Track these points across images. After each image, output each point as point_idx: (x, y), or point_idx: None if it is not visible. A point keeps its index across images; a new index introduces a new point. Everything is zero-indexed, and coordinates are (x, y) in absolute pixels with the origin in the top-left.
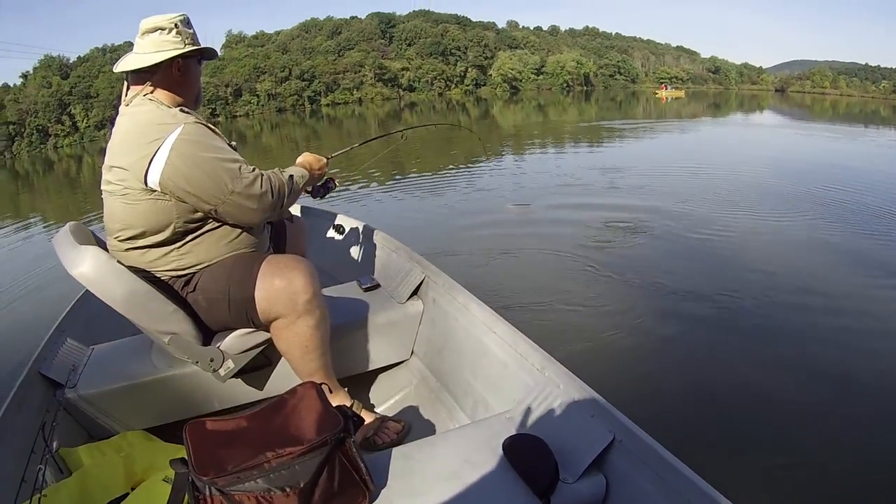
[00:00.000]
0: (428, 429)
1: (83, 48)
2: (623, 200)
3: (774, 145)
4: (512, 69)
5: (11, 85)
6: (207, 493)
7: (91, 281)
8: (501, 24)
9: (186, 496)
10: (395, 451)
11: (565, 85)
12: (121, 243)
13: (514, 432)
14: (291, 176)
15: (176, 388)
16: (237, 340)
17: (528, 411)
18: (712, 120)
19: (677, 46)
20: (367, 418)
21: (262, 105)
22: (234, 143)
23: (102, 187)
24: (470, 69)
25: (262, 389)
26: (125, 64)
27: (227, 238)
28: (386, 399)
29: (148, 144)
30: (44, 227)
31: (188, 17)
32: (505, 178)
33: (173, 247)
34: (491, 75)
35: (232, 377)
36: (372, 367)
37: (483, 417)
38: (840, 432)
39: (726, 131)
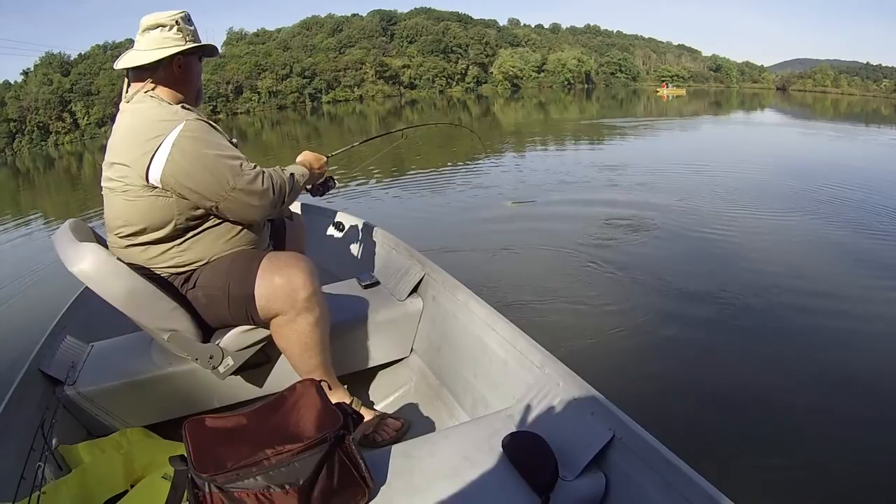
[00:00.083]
0: (427, 426)
1: (84, 45)
2: (624, 198)
3: (776, 143)
4: (513, 67)
5: (12, 82)
6: (207, 490)
7: (91, 278)
8: (503, 22)
9: (186, 493)
10: (395, 448)
11: (566, 83)
12: (121, 240)
13: (513, 430)
14: (292, 174)
15: (175, 385)
16: (237, 338)
17: (527, 409)
18: (713, 118)
19: (679, 45)
20: (367, 416)
21: (263, 102)
22: (234, 140)
23: (103, 184)
24: (471, 67)
25: (261, 387)
26: (126, 61)
27: (227, 235)
28: (385, 396)
29: (149, 141)
30: (44, 225)
31: (189, 14)
32: (505, 176)
33: (173, 244)
34: (492, 73)
35: (231, 374)
36: (371, 364)
37: (483, 415)
38: (841, 431)
39: (727, 130)
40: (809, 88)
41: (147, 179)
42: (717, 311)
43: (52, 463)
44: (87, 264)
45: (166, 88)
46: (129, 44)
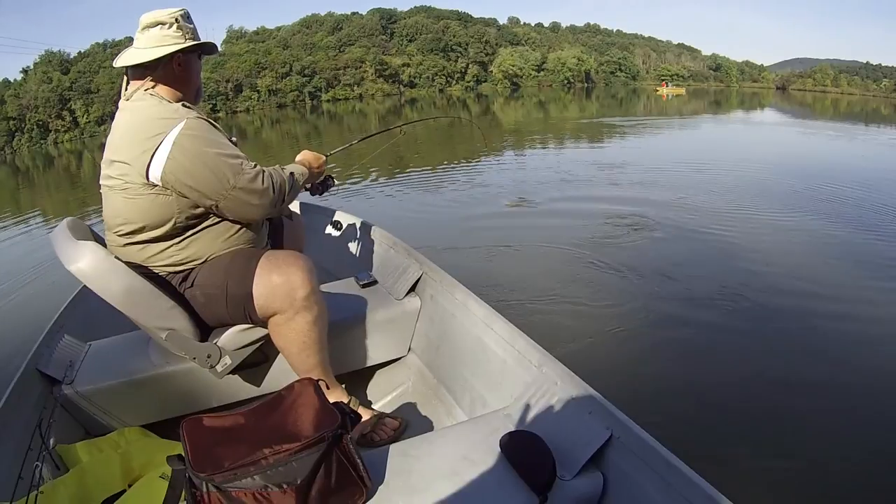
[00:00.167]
0: (425, 425)
1: (84, 43)
2: (623, 197)
3: (775, 142)
4: (513, 66)
5: (12, 80)
6: (204, 489)
7: (88, 277)
8: (503, 21)
9: (183, 493)
10: (393, 447)
11: (566, 82)
12: (120, 238)
13: (511, 429)
14: (292, 173)
15: (173, 384)
16: (234, 337)
17: (525, 408)
18: (713, 117)
19: (678, 44)
20: (365, 415)
21: (263, 101)
22: (234, 138)
23: (102, 182)
24: (471, 65)
25: (259, 386)
26: (125, 59)
27: (225, 234)
28: (383, 396)
29: (150, 139)
30: (43, 223)
31: (188, 12)
32: (505, 174)
33: (172, 242)
34: (492, 72)
35: (229, 374)
36: (369, 363)
37: (481, 414)
38: (840, 431)
39: (727, 129)
40: (809, 88)
41: (147, 177)
42: (715, 310)
43: (49, 462)
44: (85, 263)
45: (166, 86)
46: (128, 42)
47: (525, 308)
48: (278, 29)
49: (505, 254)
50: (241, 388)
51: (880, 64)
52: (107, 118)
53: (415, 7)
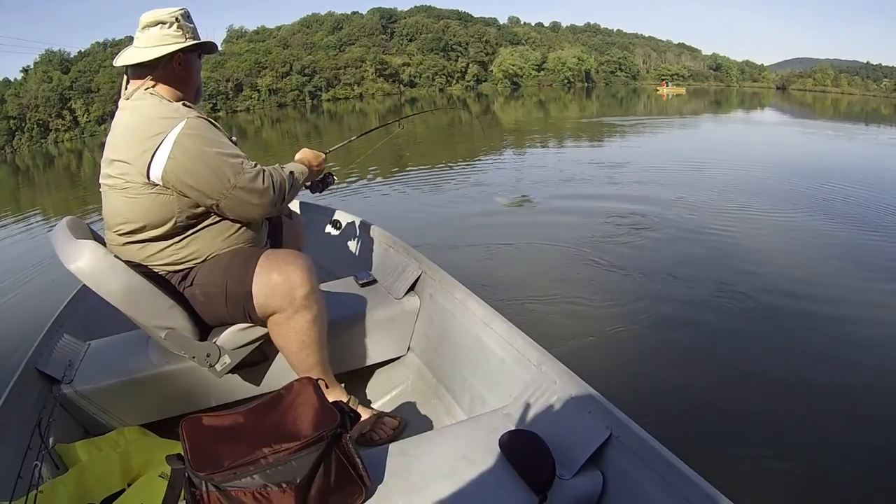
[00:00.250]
0: (425, 425)
1: (83, 43)
2: (623, 196)
3: (776, 142)
4: (513, 65)
5: (12, 79)
6: (204, 488)
7: (88, 276)
8: (503, 20)
9: (183, 492)
10: (392, 446)
11: (566, 81)
12: (119, 237)
13: (511, 428)
14: (292, 172)
15: (172, 383)
16: (234, 336)
17: (525, 407)
18: (713, 117)
19: (679, 43)
20: (364, 414)
21: (263, 100)
22: (234, 137)
23: (102, 181)
24: (471, 65)
25: (258, 385)
26: (125, 58)
27: (225, 233)
28: (382, 395)
29: (150, 138)
30: (43, 222)
31: (188, 11)
32: (505, 173)
33: (172, 241)
34: (492, 71)
35: (228, 373)
36: (369, 362)
37: (480, 413)
38: (840, 430)
39: (727, 128)
40: (809, 88)
41: (148, 177)
42: (716, 309)
43: (49, 462)
44: (85, 262)
45: (166, 86)
46: (129, 41)
47: (525, 307)
48: (278, 28)
49: (505, 252)
50: (241, 388)
51: (880, 64)
52: (107, 117)
53: (415, 6)
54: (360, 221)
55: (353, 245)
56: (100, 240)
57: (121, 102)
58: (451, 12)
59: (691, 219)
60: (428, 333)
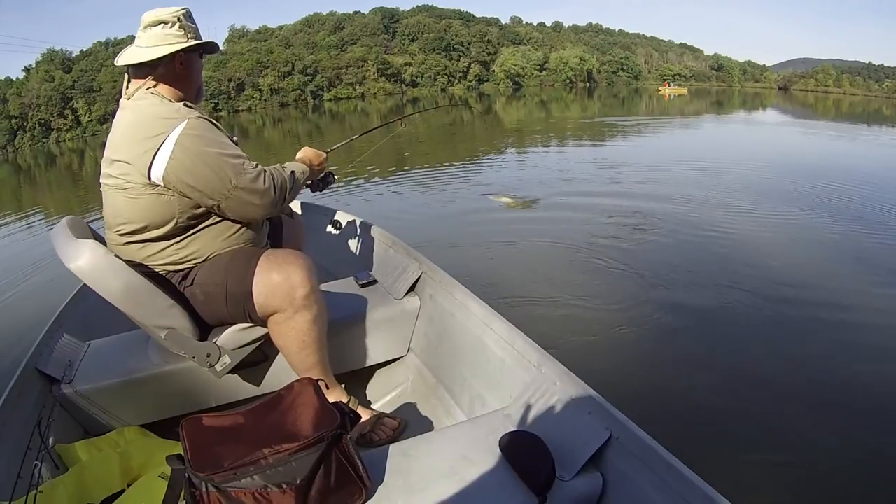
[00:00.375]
0: (425, 425)
1: (83, 42)
2: (624, 197)
3: (778, 142)
4: (515, 65)
5: (14, 79)
6: (204, 489)
7: (88, 275)
8: (505, 20)
9: (183, 492)
10: (392, 447)
11: (568, 81)
12: (120, 237)
13: (511, 429)
14: (293, 172)
15: (172, 383)
16: (234, 336)
17: (524, 408)
18: (715, 117)
19: (681, 43)
20: (364, 415)
21: (265, 100)
22: (235, 137)
23: (102, 181)
24: (473, 65)
25: (258, 385)
26: (127, 57)
27: (226, 233)
28: (382, 395)
29: (151, 139)
30: (45, 222)
31: (190, 11)
32: (506, 173)
33: (173, 241)
34: (494, 71)
35: (229, 373)
36: (369, 363)
37: (480, 414)
38: (841, 432)
39: (729, 129)
40: (811, 88)
41: (149, 177)
42: (716, 310)
43: (48, 462)
44: (85, 261)
45: (167, 86)
46: (130, 40)
47: (526, 307)
48: (280, 28)
49: (506, 252)
50: (241, 388)
51: (882, 64)
52: (109, 117)
53: (417, 6)
54: (361, 221)
55: (353, 245)
56: (100, 239)
57: (122, 102)
58: (452, 12)
59: (693, 219)
60: (428, 334)
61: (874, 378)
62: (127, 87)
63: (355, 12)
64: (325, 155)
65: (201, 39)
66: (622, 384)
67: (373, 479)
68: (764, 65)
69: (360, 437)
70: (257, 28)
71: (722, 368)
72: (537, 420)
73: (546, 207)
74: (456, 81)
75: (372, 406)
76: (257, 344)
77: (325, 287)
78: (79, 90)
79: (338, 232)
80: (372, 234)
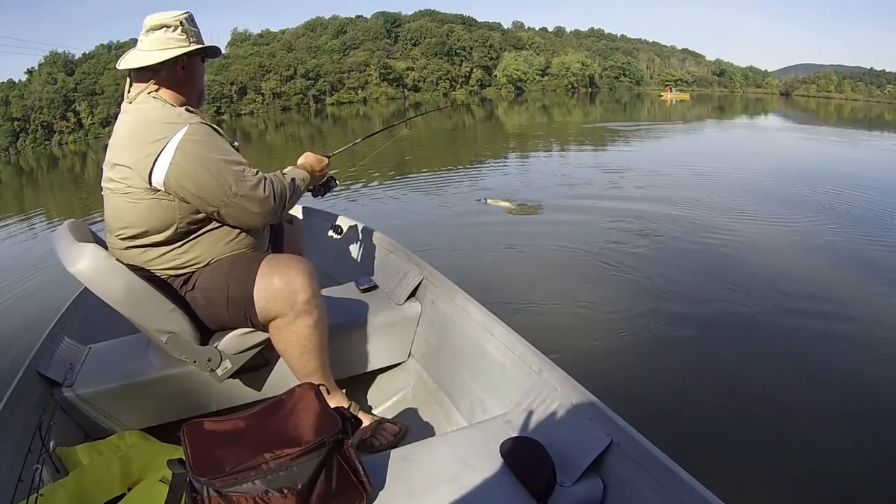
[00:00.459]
0: (425, 431)
1: (82, 43)
2: (626, 202)
3: (779, 147)
4: (517, 70)
5: (17, 81)
6: (205, 493)
7: (89, 278)
8: (507, 25)
9: (184, 497)
10: (393, 452)
11: (570, 86)
12: (121, 241)
13: (511, 435)
14: (293, 179)
15: (173, 387)
16: (235, 340)
17: (525, 414)
18: (717, 123)
19: (683, 49)
20: (365, 420)
21: (267, 104)
22: (236, 142)
23: (104, 185)
24: (475, 69)
25: (259, 390)
26: (129, 61)
27: (227, 238)
28: (383, 401)
29: (153, 143)
30: (47, 224)
31: (192, 15)
32: (508, 178)
33: (174, 246)
34: (496, 76)
35: (230, 378)
36: (369, 368)
37: (480, 420)
38: (841, 438)
39: (731, 134)
40: (813, 94)
41: (150, 182)
42: (717, 316)
43: (49, 465)
44: (86, 264)
45: (169, 90)
46: (133, 43)
47: (526, 312)
48: (283, 32)
49: (507, 257)
50: (242, 392)
51: (884, 70)
52: (111, 119)
53: (419, 11)
54: (362, 227)
55: (354, 250)
56: (101, 243)
57: (124, 105)
58: (455, 17)
59: (695, 224)
60: (429, 339)
61: (875, 384)
62: (129, 91)
63: (358, 16)
64: (326, 160)
65: (203, 43)
66: (623, 389)
67: (374, 485)
68: (766, 70)
69: (361, 443)
70: (260, 32)
71: (723, 374)
72: (538, 425)
73: (548, 212)
74: (458, 86)
75: (373, 411)
76: (258, 349)
77: (326, 292)
78: (81, 93)
79: (339, 237)
80: (373, 239)
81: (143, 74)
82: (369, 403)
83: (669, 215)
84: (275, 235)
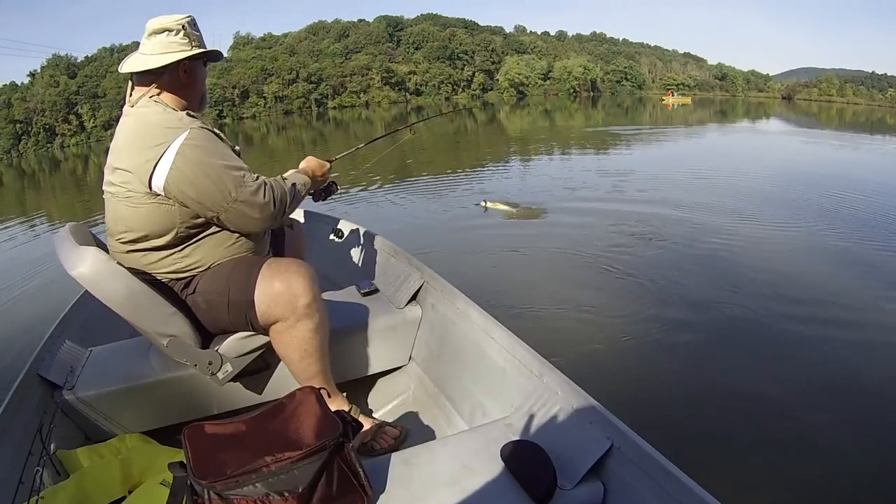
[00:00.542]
0: (426, 434)
1: (90, 47)
2: (627, 206)
3: (781, 151)
4: (519, 74)
5: (19, 83)
6: (206, 497)
7: (90, 281)
8: (509, 29)
9: (185, 499)
10: (394, 456)
11: (572, 90)
12: (122, 245)
13: (512, 438)
14: (294, 184)
15: (174, 391)
16: (236, 344)
17: (526, 417)
18: (719, 127)
19: (684, 53)
20: (365, 424)
21: (269, 107)
22: (238, 147)
23: (105, 188)
24: (477, 73)
25: (260, 394)
26: (131, 65)
27: (227, 242)
28: (384, 404)
29: (153, 148)
30: (48, 227)
31: (195, 19)
32: (510, 182)
33: (175, 250)
34: (498, 80)
35: (230, 381)
36: (370, 372)
37: (481, 423)
38: (841, 442)
39: (733, 138)
40: (815, 97)
41: (150, 186)
42: (718, 320)
43: (50, 468)
44: (87, 268)
45: (171, 94)
46: (135, 46)
47: (527, 316)
48: (285, 35)
49: (508, 261)
50: (243, 396)
51: (886, 73)
52: (113, 123)
53: (421, 14)
54: (363, 231)
55: (355, 254)
56: (102, 246)
57: (125, 109)
58: (457, 20)
59: (696, 228)
60: (429, 343)
61: (877, 389)
62: (131, 94)
63: (360, 20)
64: (328, 165)
65: (205, 47)
66: (623, 393)
67: (374, 488)
68: (767, 74)
69: (362, 446)
70: (262, 35)
71: (723, 377)
72: (538, 429)
73: (549, 215)
74: (460, 90)
75: (373, 415)
76: (259, 352)
77: (326, 296)
78: (83, 95)
79: (340, 240)
80: (374, 242)
81: (145, 78)
82: (370, 407)
83: (671, 219)
84: (276, 239)
